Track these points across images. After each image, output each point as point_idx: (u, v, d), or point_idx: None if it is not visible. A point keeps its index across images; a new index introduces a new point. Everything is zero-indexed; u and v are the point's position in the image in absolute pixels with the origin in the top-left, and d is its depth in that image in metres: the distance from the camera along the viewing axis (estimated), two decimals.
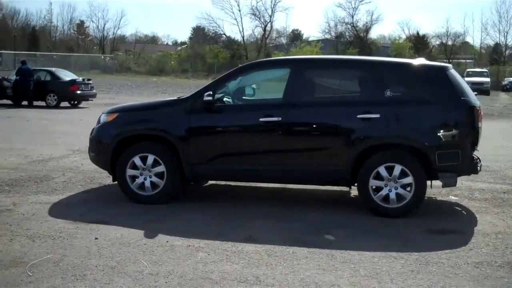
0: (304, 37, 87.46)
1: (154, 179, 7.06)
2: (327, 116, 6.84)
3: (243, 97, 7.30)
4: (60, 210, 6.76)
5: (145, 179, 7.08)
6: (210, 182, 8.41)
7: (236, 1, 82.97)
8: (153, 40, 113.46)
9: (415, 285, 4.65)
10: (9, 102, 22.83)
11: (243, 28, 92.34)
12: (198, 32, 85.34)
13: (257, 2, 78.93)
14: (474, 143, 6.78)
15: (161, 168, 7.03)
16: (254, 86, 7.40)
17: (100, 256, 5.16)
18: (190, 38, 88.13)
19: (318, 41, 66.89)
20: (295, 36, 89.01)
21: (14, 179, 8.36)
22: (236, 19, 76.12)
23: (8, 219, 6.29)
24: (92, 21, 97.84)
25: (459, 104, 6.61)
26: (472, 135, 6.73)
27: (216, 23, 73.15)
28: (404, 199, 6.65)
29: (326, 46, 64.75)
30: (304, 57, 8.58)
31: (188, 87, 39.23)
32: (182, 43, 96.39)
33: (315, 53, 54.84)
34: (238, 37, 76.21)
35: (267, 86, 7.49)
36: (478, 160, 7.05)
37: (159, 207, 6.92)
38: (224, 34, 75.23)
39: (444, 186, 6.87)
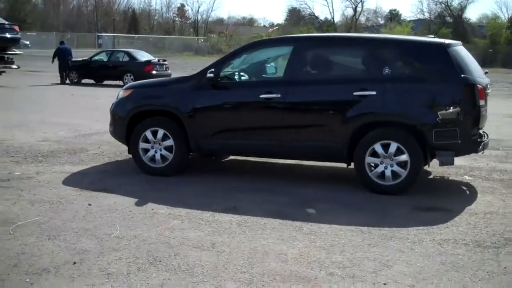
0: (402, 17, 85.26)
1: (164, 152, 7.43)
2: (325, 93, 6.91)
3: (247, 75, 7.49)
4: (74, 179, 7.27)
5: (155, 152, 7.47)
6: (231, 157, 8.68)
7: None
8: (250, 23, 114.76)
9: (362, 257, 4.73)
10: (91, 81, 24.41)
11: (333, 9, 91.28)
12: (293, 14, 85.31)
13: None
14: (476, 122, 6.62)
15: (170, 142, 7.39)
16: (259, 63, 7.56)
17: (82, 219, 5.58)
18: (286, 20, 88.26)
19: (409, 21, 64.96)
20: (392, 16, 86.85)
21: (52, 151, 9.01)
22: (326, 1, 75.27)
23: (23, 185, 6.86)
24: (187, 4, 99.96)
25: (458, 81, 6.47)
26: (472, 114, 6.58)
27: (306, 4, 72.64)
28: (399, 176, 6.63)
29: (419, 26, 62.75)
30: (306, 35, 8.62)
31: None
32: (278, 25, 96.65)
33: (406, 34, 53.37)
34: (329, 18, 75.44)
35: (272, 64, 7.60)
36: (483, 138, 6.88)
37: (166, 179, 7.27)
38: (314, 15, 74.66)
39: (441, 164, 6.78)
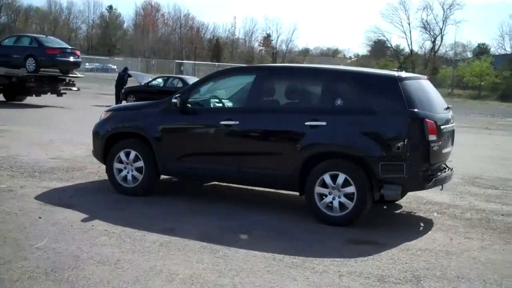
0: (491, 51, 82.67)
1: (135, 173, 7.77)
2: (280, 121, 7.05)
3: (211, 101, 7.73)
4: (49, 194, 7.71)
5: (128, 172, 7.82)
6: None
7: (405, 14, 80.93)
8: (334, 53, 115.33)
9: (248, 282, 4.84)
10: None
11: (411, 41, 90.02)
12: (378, 46, 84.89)
13: (427, 15, 75.92)
14: (425, 157, 6.54)
15: (140, 163, 7.73)
16: (224, 91, 7.80)
17: (20, 230, 5.96)
18: (370, 52, 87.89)
19: (488, 55, 62.97)
20: (481, 51, 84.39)
21: (52, 168, 9.56)
22: (404, 32, 74.41)
23: None
24: (267, 34, 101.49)
25: (405, 115, 6.44)
26: (420, 149, 6.51)
27: (384, 36, 72.16)
28: (346, 208, 6.64)
29: (500, 61, 60.63)
30: (268, 65, 8.86)
31: None
32: (364, 56, 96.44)
33: (484, 69, 51.89)
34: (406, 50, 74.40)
35: (235, 92, 7.81)
36: (438, 174, 6.78)
37: (132, 199, 7.58)
38: (391, 46, 73.83)
39: (386, 198, 6.72)
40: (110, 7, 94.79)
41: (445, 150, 6.96)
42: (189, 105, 7.51)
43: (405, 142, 6.42)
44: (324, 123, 6.70)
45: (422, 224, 7.12)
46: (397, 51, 75.92)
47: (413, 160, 6.47)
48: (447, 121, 6.97)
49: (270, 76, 7.42)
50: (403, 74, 6.89)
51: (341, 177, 6.62)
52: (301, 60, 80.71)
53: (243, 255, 5.53)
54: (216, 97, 7.71)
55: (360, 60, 72.30)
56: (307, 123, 6.77)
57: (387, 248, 5.97)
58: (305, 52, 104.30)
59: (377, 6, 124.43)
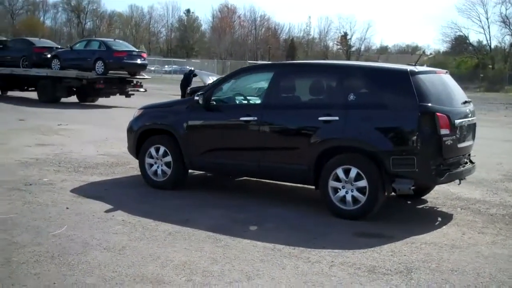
0: None
1: (164, 167, 8.13)
2: (295, 117, 7.19)
3: (233, 98, 7.95)
4: (85, 187, 8.18)
5: (158, 167, 8.19)
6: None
7: (483, 9, 77.77)
8: (413, 51, 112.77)
9: (237, 269, 5.04)
10: None
11: (490, 36, 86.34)
12: (459, 42, 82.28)
13: (506, 10, 72.45)
14: (437, 151, 6.50)
15: (169, 159, 8.08)
16: (244, 88, 8.00)
17: (45, 219, 6.42)
18: (451, 48, 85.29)
19: None
20: None
21: (97, 163, 10.09)
22: (482, 27, 71.53)
23: (37, 189, 7.88)
24: (340, 32, 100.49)
25: (416, 109, 6.43)
26: (431, 143, 6.49)
27: (461, 31, 69.90)
28: (359, 202, 6.70)
29: None
30: (285, 62, 8.86)
31: None
32: (445, 53, 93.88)
33: None
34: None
35: (256, 89, 7.99)
36: (454, 168, 6.73)
37: (160, 192, 7.93)
38: (470, 43, 71.32)
39: (398, 192, 6.73)
40: (188, 10, 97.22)
41: (462, 144, 6.87)
42: (213, 102, 7.76)
43: (416, 136, 6.42)
44: (336, 118, 6.78)
45: (439, 219, 7.05)
46: (477, 47, 73.25)
47: (425, 154, 6.45)
48: (464, 115, 6.88)
49: (287, 73, 7.57)
50: (417, 68, 6.85)
51: (354, 171, 6.68)
52: (375, 58, 79.54)
53: (244, 245, 5.72)
54: (237, 94, 7.94)
55: (437, 56, 70.33)
56: (320, 118, 6.87)
57: (392, 241, 6.00)
58: (383, 50, 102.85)
59: (453, 1, 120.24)
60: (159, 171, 8.17)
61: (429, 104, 6.44)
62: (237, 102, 7.87)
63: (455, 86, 7.21)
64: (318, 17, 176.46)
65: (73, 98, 24.52)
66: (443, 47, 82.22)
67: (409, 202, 7.87)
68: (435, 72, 7.06)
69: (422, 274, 5.05)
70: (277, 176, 7.56)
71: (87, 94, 24.01)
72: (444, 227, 6.67)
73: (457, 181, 7.07)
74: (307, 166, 6.98)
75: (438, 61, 64.92)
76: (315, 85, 7.36)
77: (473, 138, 7.28)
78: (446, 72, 7.47)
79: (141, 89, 24.07)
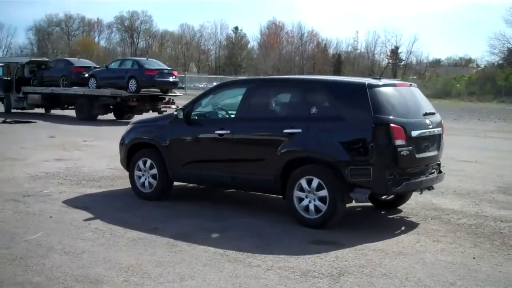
0: None
1: (150, 179, 8.59)
2: (263, 129, 7.54)
3: (210, 113, 8.35)
4: (78, 198, 8.69)
5: (145, 179, 8.66)
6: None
7: None
8: (466, 63, 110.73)
9: (175, 272, 5.42)
10: None
11: None
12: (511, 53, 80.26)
13: None
14: (393, 161, 6.71)
15: (155, 171, 8.53)
16: (221, 103, 8.39)
17: (26, 226, 6.93)
18: (504, 60, 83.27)
19: None
20: None
21: (102, 176, 10.64)
22: None
23: (32, 200, 8.44)
24: (386, 47, 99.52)
25: (370, 121, 6.67)
26: (386, 154, 6.71)
27: (510, 43, 68.27)
28: (320, 211, 6.96)
29: None
30: (256, 78, 9.19)
31: (464, 110, 37.90)
32: (499, 65, 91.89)
33: None
34: None
35: (231, 103, 8.34)
36: (412, 178, 6.92)
37: (143, 203, 8.37)
38: None
39: (356, 201, 6.96)
40: (236, 28, 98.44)
41: (423, 155, 7.06)
42: (193, 117, 8.18)
43: (371, 147, 6.65)
44: (299, 130, 7.09)
45: (403, 228, 7.22)
46: None
47: (380, 164, 6.68)
48: (424, 127, 7.06)
49: (258, 88, 7.93)
50: (375, 81, 7.09)
51: (315, 181, 6.97)
52: (424, 72, 78.59)
53: (197, 251, 6.08)
54: (215, 109, 8.33)
55: (486, 70, 68.89)
56: (285, 131, 7.19)
57: (342, 248, 6.24)
58: (436, 63, 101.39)
59: (499, 12, 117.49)
60: (146, 183, 8.63)
61: (384, 116, 6.67)
62: (214, 116, 8.26)
63: (419, 98, 7.42)
64: (366, 31, 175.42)
65: (111, 116, 25.43)
66: (490, 59, 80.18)
67: (383, 212, 8.06)
68: (395, 85, 7.28)
69: (351, 278, 5.29)
70: (248, 187, 7.92)
71: (123, 111, 24.88)
72: (402, 235, 6.85)
73: (420, 190, 7.28)
74: (274, 176, 7.30)
75: (487, 73, 63.62)
76: (282, 99, 7.73)
77: (438, 148, 7.43)
78: (411, 85, 7.67)
79: (173, 106, 24.72)
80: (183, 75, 58.94)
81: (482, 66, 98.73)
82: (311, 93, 7.28)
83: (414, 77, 74.98)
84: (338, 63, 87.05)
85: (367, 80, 7.08)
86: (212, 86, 8.88)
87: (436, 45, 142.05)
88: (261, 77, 10.01)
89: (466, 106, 44.39)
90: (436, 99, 55.65)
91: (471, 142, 18.17)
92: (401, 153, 6.71)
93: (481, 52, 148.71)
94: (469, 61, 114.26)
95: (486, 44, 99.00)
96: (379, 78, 7.33)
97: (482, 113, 34.14)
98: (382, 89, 6.98)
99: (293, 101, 7.53)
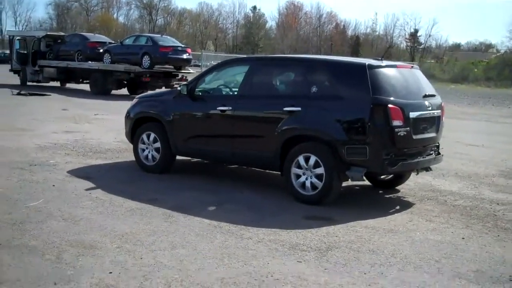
0: None
1: (154, 153, 8.74)
2: (264, 107, 7.62)
3: (214, 89, 8.45)
4: (82, 169, 8.86)
5: (149, 152, 8.81)
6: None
7: None
8: (486, 48, 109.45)
9: (167, 241, 5.55)
10: None
11: None
12: None
13: None
14: (389, 141, 6.78)
15: (158, 145, 8.68)
16: (225, 80, 8.48)
17: (28, 194, 7.12)
18: None
19: None
20: None
21: (108, 149, 10.79)
22: None
23: (38, 169, 8.63)
24: (404, 30, 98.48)
25: (368, 101, 6.73)
26: (383, 134, 6.78)
27: None
28: (316, 188, 7.07)
29: None
30: (259, 56, 9.28)
31: (480, 95, 37.61)
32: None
33: None
34: None
35: (234, 80, 8.43)
36: (409, 158, 6.99)
37: (149, 175, 8.53)
38: None
39: (351, 180, 7.05)
40: (254, 7, 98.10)
41: (420, 136, 7.11)
42: (197, 93, 8.29)
43: (368, 127, 6.72)
44: (299, 109, 7.17)
45: (398, 207, 7.31)
46: None
47: (376, 144, 6.76)
48: (423, 108, 7.10)
49: (260, 66, 8.03)
50: (376, 62, 7.14)
51: (313, 159, 7.06)
52: (441, 56, 77.88)
53: (191, 222, 6.22)
54: (219, 85, 8.44)
55: (506, 55, 68.07)
56: (285, 109, 7.28)
57: (334, 224, 6.35)
58: (455, 47, 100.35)
59: None
60: (149, 156, 8.78)
61: (382, 97, 6.73)
62: (217, 93, 8.36)
63: (420, 80, 7.46)
64: (385, 13, 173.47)
65: (124, 91, 25.61)
66: (510, 44, 79.36)
67: (380, 191, 8.14)
68: (395, 66, 7.31)
69: (338, 253, 5.40)
70: (248, 162, 8.04)
71: (137, 86, 25.05)
72: (396, 214, 6.94)
73: (417, 171, 7.38)
74: (273, 153, 7.40)
75: (506, 59, 62.87)
76: (283, 78, 7.82)
77: (437, 130, 7.47)
78: (412, 66, 7.70)
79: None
80: (200, 53, 58.77)
81: (502, 51, 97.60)
82: (312, 73, 7.35)
83: (432, 61, 74.35)
84: (356, 44, 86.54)
85: (368, 61, 7.12)
86: (215, 63, 8.92)
87: (455, 30, 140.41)
88: (263, 55, 10.04)
89: (482, 91, 43.97)
90: (453, 84, 55.39)
91: (481, 127, 18.13)
92: (398, 133, 6.77)
93: (501, 37, 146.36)
94: (489, 46, 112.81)
95: (506, 29, 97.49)
96: (381, 59, 7.36)
97: (498, 99, 33.85)
98: (383, 70, 7.02)
99: (294, 80, 7.62)
